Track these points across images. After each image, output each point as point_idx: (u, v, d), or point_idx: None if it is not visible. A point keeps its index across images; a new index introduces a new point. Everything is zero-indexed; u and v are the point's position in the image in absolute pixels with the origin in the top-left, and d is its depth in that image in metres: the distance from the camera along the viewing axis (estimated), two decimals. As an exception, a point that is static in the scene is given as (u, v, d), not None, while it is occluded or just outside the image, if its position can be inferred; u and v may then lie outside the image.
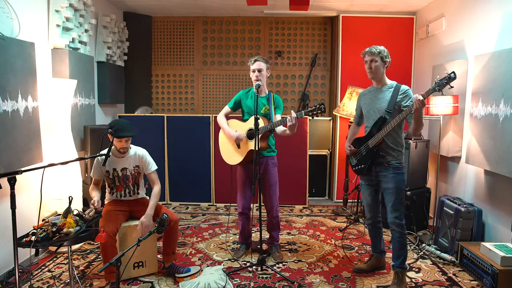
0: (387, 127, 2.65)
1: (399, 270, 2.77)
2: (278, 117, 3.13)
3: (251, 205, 3.32)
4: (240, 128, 3.23)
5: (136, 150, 2.99)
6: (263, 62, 3.14)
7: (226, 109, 3.34)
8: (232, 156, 3.25)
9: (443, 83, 2.44)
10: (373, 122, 2.77)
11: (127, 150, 2.91)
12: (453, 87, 2.44)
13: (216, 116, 3.41)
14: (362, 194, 3.03)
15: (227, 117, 3.34)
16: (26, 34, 3.09)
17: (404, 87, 2.71)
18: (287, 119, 2.86)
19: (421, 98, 2.42)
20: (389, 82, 2.79)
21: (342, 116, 4.67)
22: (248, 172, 3.23)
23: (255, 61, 3.14)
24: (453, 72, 2.42)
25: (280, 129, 3.06)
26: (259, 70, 3.11)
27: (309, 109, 2.84)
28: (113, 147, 2.87)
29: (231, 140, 3.26)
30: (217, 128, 3.38)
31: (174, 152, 4.85)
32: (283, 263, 3.22)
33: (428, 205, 4.04)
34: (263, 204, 3.30)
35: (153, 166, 3.03)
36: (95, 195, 2.79)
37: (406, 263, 2.80)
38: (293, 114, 2.83)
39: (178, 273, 2.93)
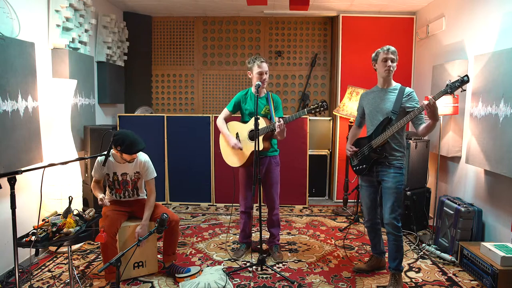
0: (392, 128, 2.64)
1: (395, 272, 2.77)
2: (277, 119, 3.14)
3: (253, 204, 3.32)
4: (241, 129, 3.23)
5: (139, 156, 2.95)
6: (267, 63, 3.15)
7: (226, 112, 3.32)
8: (234, 158, 3.25)
9: (456, 86, 2.42)
10: (377, 122, 2.76)
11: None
12: (465, 90, 2.44)
13: (216, 117, 3.40)
14: (361, 195, 3.02)
15: (227, 119, 3.34)
16: (26, 34, 3.09)
17: (408, 89, 2.73)
18: (276, 125, 2.86)
19: (430, 102, 2.40)
20: (394, 84, 2.80)
21: (342, 116, 4.67)
22: (250, 173, 3.22)
23: (262, 62, 3.10)
24: (466, 75, 2.41)
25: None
26: (266, 73, 3.12)
27: (312, 106, 2.84)
28: (115, 152, 2.85)
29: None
30: (217, 128, 3.37)
31: (174, 152, 4.84)
32: (283, 263, 3.22)
33: (428, 205, 4.04)
34: (263, 204, 3.30)
35: (153, 174, 2.99)
36: (99, 193, 2.79)
37: (402, 264, 2.80)
38: (281, 121, 2.83)
39: (178, 273, 2.93)
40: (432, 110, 2.46)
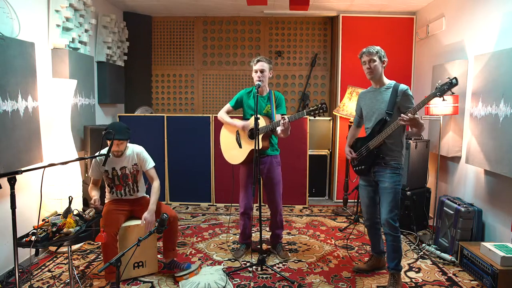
0: (388, 129, 2.64)
1: (394, 272, 2.77)
2: (279, 116, 3.14)
3: (253, 205, 3.31)
4: (243, 122, 3.22)
5: (134, 148, 3.00)
6: (266, 63, 3.14)
7: (227, 107, 3.33)
8: (234, 155, 3.25)
9: (444, 89, 2.42)
10: (374, 123, 2.76)
11: (122, 153, 2.91)
12: (454, 93, 2.43)
13: (216, 116, 3.41)
14: (360, 194, 3.02)
15: (228, 116, 3.34)
16: (26, 34, 3.08)
17: (403, 86, 2.69)
18: (280, 123, 2.87)
19: (405, 118, 2.46)
20: (387, 82, 2.77)
21: (342, 116, 4.67)
22: (251, 172, 3.21)
23: (258, 61, 3.12)
24: (455, 77, 2.40)
25: (279, 129, 3.06)
26: (262, 71, 3.11)
27: (311, 108, 2.84)
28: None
29: (233, 139, 3.26)
30: (217, 128, 3.38)
31: (174, 152, 4.85)
32: (283, 263, 3.22)
33: (428, 205, 4.04)
34: (263, 204, 3.30)
35: (151, 163, 3.04)
36: (94, 194, 2.80)
37: (402, 264, 2.79)
38: (285, 118, 2.84)
39: (178, 268, 2.93)
40: (412, 123, 2.50)
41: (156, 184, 3.01)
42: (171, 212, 2.92)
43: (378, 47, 2.72)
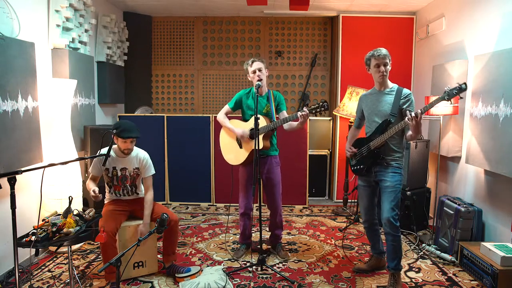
0: (391, 130, 2.65)
1: (394, 272, 2.77)
2: (284, 113, 3.15)
3: (253, 205, 3.31)
4: (242, 128, 3.22)
5: (138, 152, 2.97)
6: (260, 61, 3.15)
7: (226, 108, 3.32)
8: (234, 156, 3.24)
9: (454, 93, 2.45)
10: (376, 124, 2.77)
11: (131, 151, 2.91)
12: (462, 97, 2.46)
13: (216, 116, 3.41)
14: (359, 195, 3.03)
15: (227, 117, 3.34)
16: (26, 34, 3.08)
17: (406, 91, 2.73)
18: (299, 115, 2.85)
19: (414, 115, 2.46)
20: (391, 85, 2.80)
21: (342, 116, 4.67)
22: (251, 172, 3.21)
23: (253, 61, 3.14)
24: (465, 83, 2.44)
25: (290, 124, 3.06)
26: (259, 69, 3.12)
27: (312, 106, 2.84)
28: (115, 146, 2.87)
29: (232, 140, 3.25)
30: (217, 128, 3.38)
31: (174, 152, 4.85)
32: (283, 263, 3.22)
33: (428, 205, 4.04)
34: (263, 204, 3.29)
35: (152, 171, 3.01)
36: (92, 186, 2.77)
37: (402, 264, 2.79)
38: (305, 111, 2.83)
39: (178, 273, 2.93)
40: (415, 125, 2.51)
41: (149, 196, 2.94)
42: (172, 215, 2.91)
43: (385, 49, 2.73)
